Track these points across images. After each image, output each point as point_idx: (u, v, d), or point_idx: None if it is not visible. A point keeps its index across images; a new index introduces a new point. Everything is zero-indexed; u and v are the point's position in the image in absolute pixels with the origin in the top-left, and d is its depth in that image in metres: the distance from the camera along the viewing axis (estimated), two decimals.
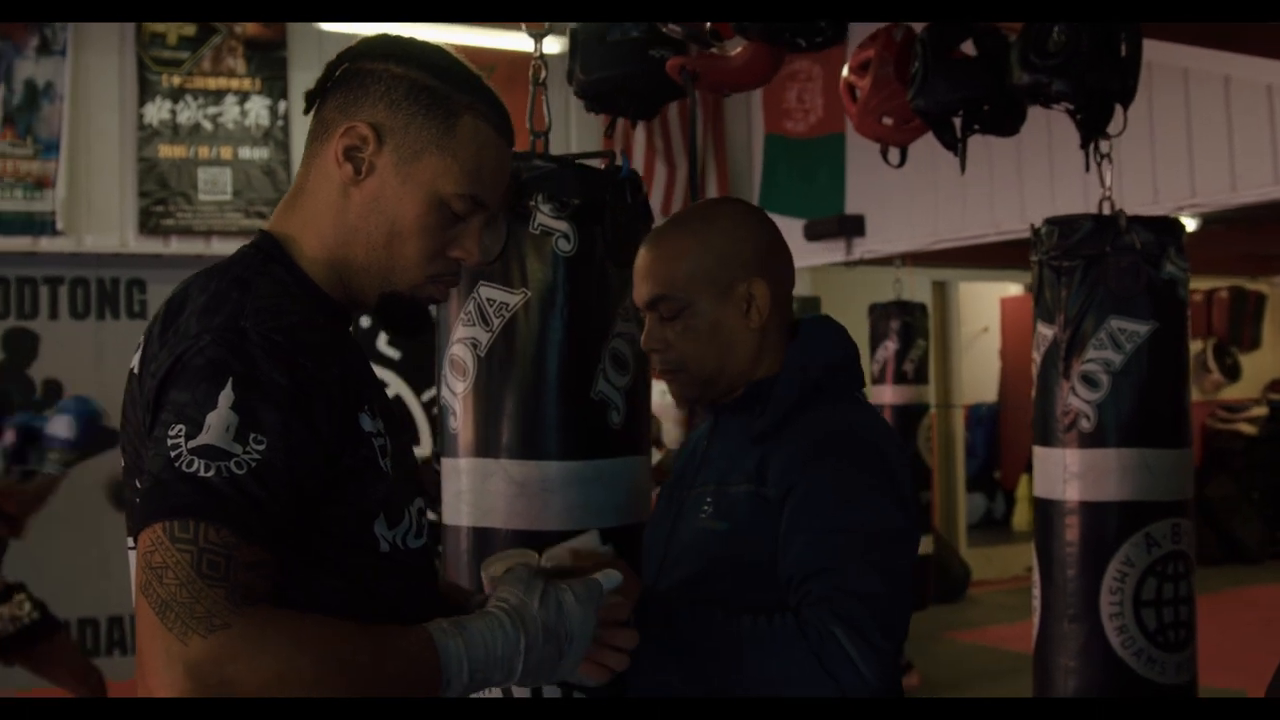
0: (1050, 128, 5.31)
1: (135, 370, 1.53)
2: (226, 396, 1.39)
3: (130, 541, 1.56)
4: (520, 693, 2.41)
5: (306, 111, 1.66)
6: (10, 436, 5.09)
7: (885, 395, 7.63)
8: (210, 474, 1.36)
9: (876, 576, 1.85)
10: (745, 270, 2.08)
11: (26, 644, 5.22)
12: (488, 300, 2.49)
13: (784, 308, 2.14)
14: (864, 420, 2.07)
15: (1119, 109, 3.17)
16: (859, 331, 7.76)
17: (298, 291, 1.56)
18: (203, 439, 1.37)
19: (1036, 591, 3.58)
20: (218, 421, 1.38)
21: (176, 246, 7.13)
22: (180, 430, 1.38)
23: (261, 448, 1.38)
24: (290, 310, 1.49)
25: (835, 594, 1.84)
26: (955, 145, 3.29)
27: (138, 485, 1.50)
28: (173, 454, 1.37)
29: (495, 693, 2.44)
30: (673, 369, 2.11)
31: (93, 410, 5.10)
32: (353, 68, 1.62)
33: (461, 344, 2.53)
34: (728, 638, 1.86)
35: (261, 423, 1.39)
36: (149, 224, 7.12)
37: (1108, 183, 3.44)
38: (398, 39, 1.64)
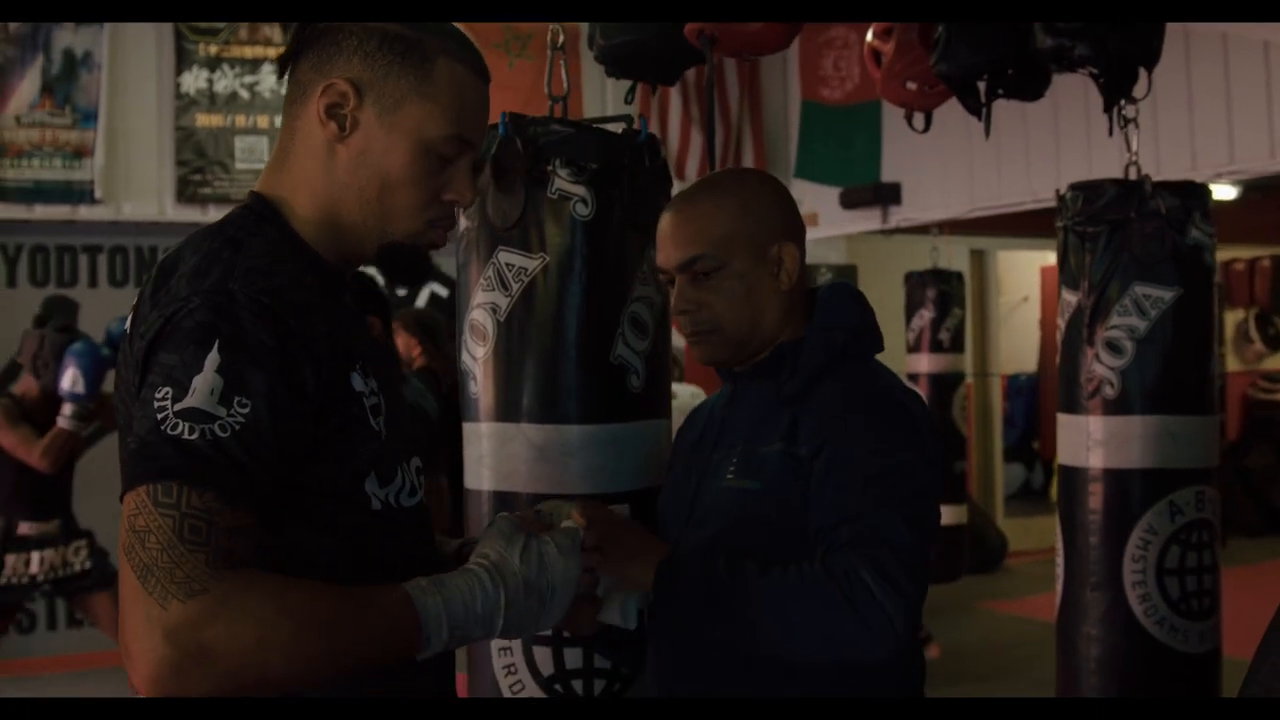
0: (1087, 94, 5.26)
1: (127, 331, 1.55)
2: (213, 360, 1.40)
3: None
4: (530, 691, 2.44)
5: (280, 77, 1.66)
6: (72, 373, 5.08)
7: (921, 364, 7.61)
8: (194, 437, 1.37)
9: (905, 526, 1.87)
10: (777, 234, 2.11)
11: (77, 589, 5.35)
12: (507, 265, 2.50)
13: (805, 273, 2.17)
14: (887, 382, 2.08)
15: (1144, 72, 3.14)
16: (895, 300, 7.74)
17: (289, 252, 1.57)
18: (188, 402, 1.38)
19: (1060, 559, 3.58)
20: (203, 385, 1.39)
21: (214, 215, 7.10)
22: (167, 393, 1.39)
23: (245, 410, 1.39)
24: (280, 271, 1.50)
25: (864, 540, 1.85)
26: (979, 110, 3.26)
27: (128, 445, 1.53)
28: (159, 416, 1.39)
29: (497, 690, 2.47)
30: (706, 330, 2.11)
31: (99, 358, 5.09)
32: (324, 26, 1.62)
33: (481, 309, 2.54)
34: (756, 584, 1.87)
35: (247, 386, 1.40)
36: (186, 192, 7.17)
37: (1134, 147, 3.41)
38: None
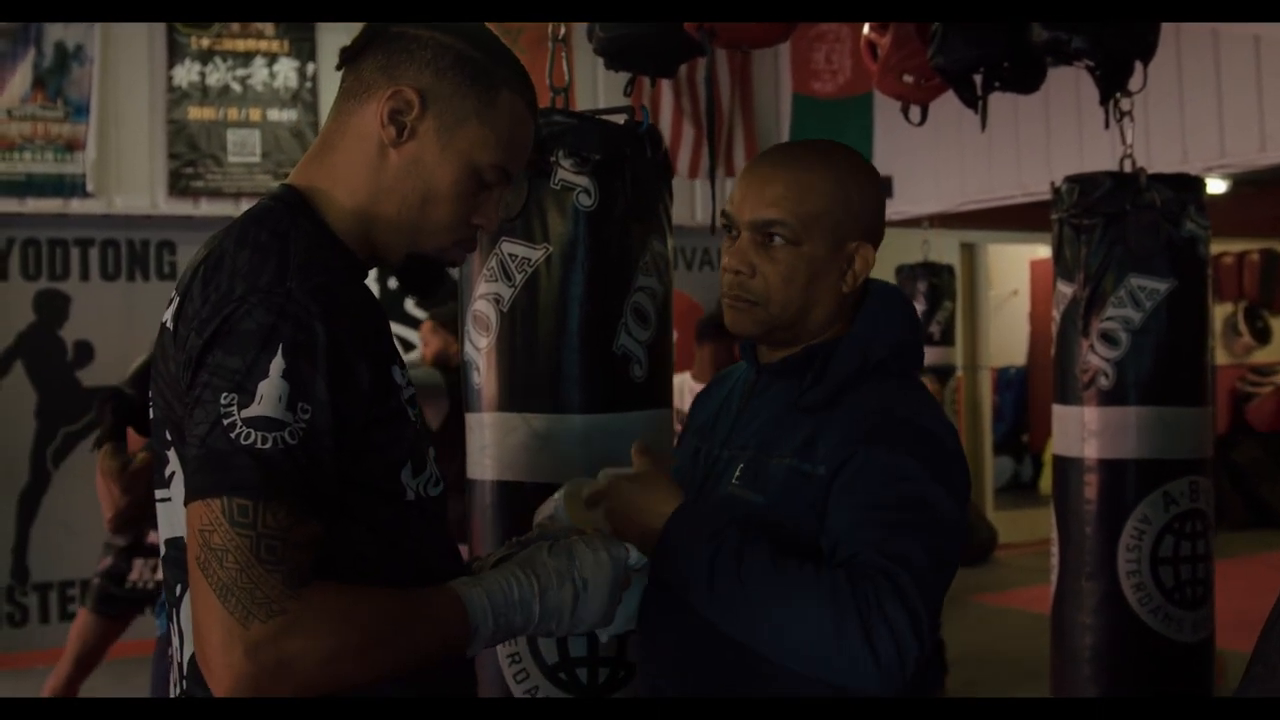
0: (1078, 87, 5.29)
1: (169, 325, 1.55)
2: (278, 365, 1.42)
3: (160, 492, 1.60)
4: (534, 680, 2.45)
5: (339, 67, 1.68)
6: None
7: None
8: (267, 446, 1.40)
9: (925, 555, 1.74)
10: (861, 232, 1.96)
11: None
12: (510, 256, 2.52)
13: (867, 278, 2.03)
14: (922, 404, 1.94)
15: (1140, 66, 3.16)
16: None
17: (328, 245, 1.59)
18: (256, 409, 1.40)
19: (1054, 549, 3.60)
20: (270, 391, 1.41)
21: (206, 208, 7.17)
22: (233, 399, 1.41)
23: (308, 416, 1.42)
24: (328, 265, 1.52)
25: (886, 569, 1.72)
26: (975, 103, 3.28)
27: (168, 437, 1.54)
28: (225, 422, 1.40)
29: (502, 679, 2.48)
30: (750, 299, 1.95)
31: None
32: (399, 30, 1.64)
33: (484, 299, 2.56)
34: (767, 566, 1.74)
35: (310, 390, 1.42)
36: (179, 186, 7.15)
37: (1129, 140, 3.43)
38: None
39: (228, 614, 1.36)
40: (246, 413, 1.40)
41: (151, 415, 1.62)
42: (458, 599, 1.54)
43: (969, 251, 10.42)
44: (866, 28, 3.58)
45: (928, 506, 1.79)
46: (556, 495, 1.90)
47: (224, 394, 1.42)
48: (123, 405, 4.20)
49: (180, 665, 1.59)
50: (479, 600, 1.55)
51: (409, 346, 7.69)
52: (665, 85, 7.89)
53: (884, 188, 2.08)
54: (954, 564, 1.84)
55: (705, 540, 1.77)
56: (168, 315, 1.57)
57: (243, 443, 1.39)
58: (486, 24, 1.71)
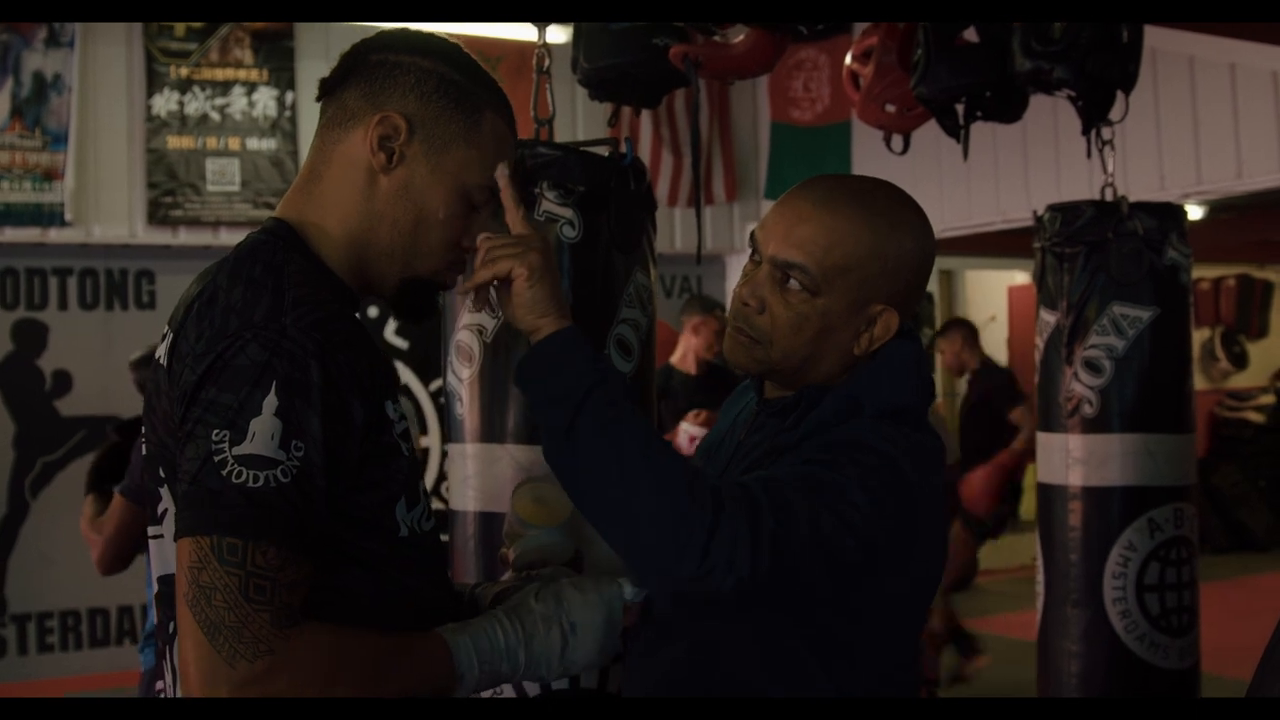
0: (1056, 116, 5.31)
1: (163, 361, 1.55)
2: (270, 403, 1.41)
3: (152, 529, 1.59)
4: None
5: (320, 98, 1.69)
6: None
7: None
8: (259, 485, 1.39)
9: (805, 513, 1.62)
10: (890, 296, 1.82)
11: None
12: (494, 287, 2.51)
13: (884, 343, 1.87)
14: (897, 439, 1.77)
15: (1121, 95, 3.18)
16: None
17: (322, 279, 1.59)
18: (248, 447, 1.40)
19: (1040, 576, 3.60)
20: (262, 429, 1.40)
21: (185, 237, 7.15)
22: (224, 435, 1.40)
23: (301, 454, 1.41)
24: (323, 300, 1.51)
25: (761, 494, 1.62)
26: (958, 132, 3.29)
27: (160, 474, 1.53)
28: (217, 459, 1.39)
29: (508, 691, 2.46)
30: (753, 336, 1.83)
31: None
32: (379, 58, 1.65)
33: (468, 330, 2.55)
34: (632, 418, 1.62)
35: (303, 428, 1.42)
36: (157, 215, 7.13)
37: (1110, 169, 3.45)
38: (418, 33, 1.69)
39: (214, 652, 1.36)
40: (238, 450, 1.39)
41: (145, 452, 1.61)
42: (444, 645, 1.54)
43: (947, 278, 10.47)
44: (849, 58, 3.59)
45: (839, 495, 1.66)
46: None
47: (216, 430, 1.41)
48: (108, 456, 4.17)
49: None
50: (464, 646, 1.55)
51: None
52: (644, 114, 7.91)
53: (930, 250, 1.90)
54: (842, 549, 1.66)
55: (589, 369, 1.63)
56: (161, 351, 1.56)
57: (234, 481, 1.38)
58: (465, 50, 1.71)
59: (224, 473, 1.39)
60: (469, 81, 1.66)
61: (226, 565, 1.37)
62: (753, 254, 1.87)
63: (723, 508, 1.58)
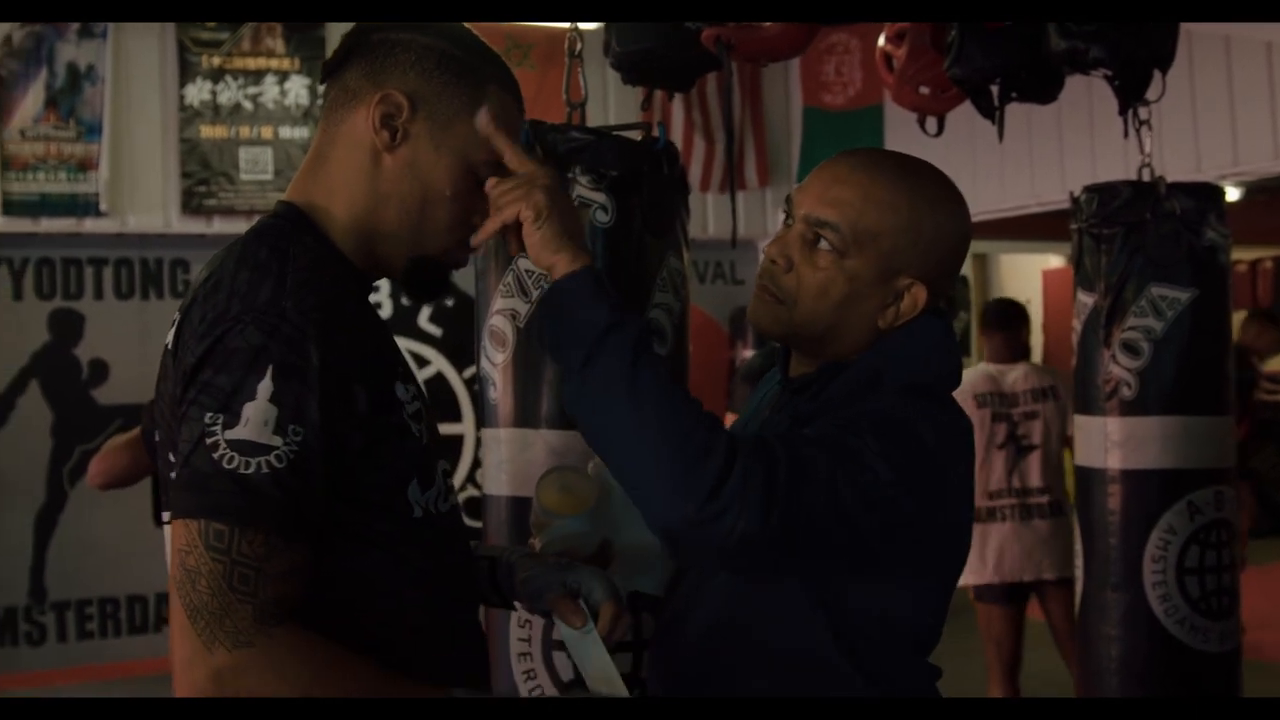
0: (1091, 96, 5.27)
1: (170, 346, 1.54)
2: (265, 387, 1.40)
3: (166, 515, 1.59)
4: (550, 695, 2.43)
5: (322, 80, 1.68)
6: None
7: None
8: (250, 471, 1.38)
9: (824, 472, 1.59)
10: (920, 270, 1.79)
11: None
12: (526, 272, 2.51)
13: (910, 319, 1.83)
14: (921, 412, 1.73)
15: (1158, 74, 3.14)
16: None
17: (330, 262, 1.58)
18: (241, 432, 1.39)
19: (1079, 560, 3.58)
20: (256, 414, 1.39)
21: (219, 226, 7.17)
22: (217, 419, 1.40)
23: (299, 439, 1.40)
24: (327, 285, 1.50)
25: (778, 448, 1.58)
26: (993, 113, 3.26)
27: (171, 459, 1.52)
28: (208, 441, 1.39)
29: (516, 695, 2.46)
30: (777, 294, 1.79)
31: None
32: (380, 38, 1.64)
33: (501, 315, 2.55)
34: (651, 364, 1.59)
35: (300, 412, 1.41)
36: (191, 204, 7.16)
37: (1147, 149, 3.41)
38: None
39: (195, 635, 1.36)
40: (230, 434, 1.39)
41: (157, 438, 1.61)
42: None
43: (981, 262, 10.42)
44: (881, 39, 3.56)
45: (857, 461, 1.62)
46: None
47: (209, 413, 1.40)
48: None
49: None
50: None
51: (422, 362, 7.69)
52: (675, 99, 7.89)
53: (966, 234, 1.87)
54: (854, 528, 1.63)
55: (604, 311, 1.60)
56: (169, 337, 1.56)
57: (225, 466, 1.38)
58: (469, 28, 1.70)
59: (215, 455, 1.38)
60: (471, 56, 1.65)
61: (212, 551, 1.36)
62: (786, 218, 1.84)
63: (737, 453, 1.55)
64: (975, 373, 5.41)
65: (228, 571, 1.36)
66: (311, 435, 1.41)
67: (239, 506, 1.37)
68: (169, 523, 1.57)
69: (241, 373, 1.41)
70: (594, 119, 2.69)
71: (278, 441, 1.39)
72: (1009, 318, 5.54)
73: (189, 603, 1.36)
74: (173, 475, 1.45)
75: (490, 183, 1.64)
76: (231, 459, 1.38)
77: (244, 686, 1.35)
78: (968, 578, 5.38)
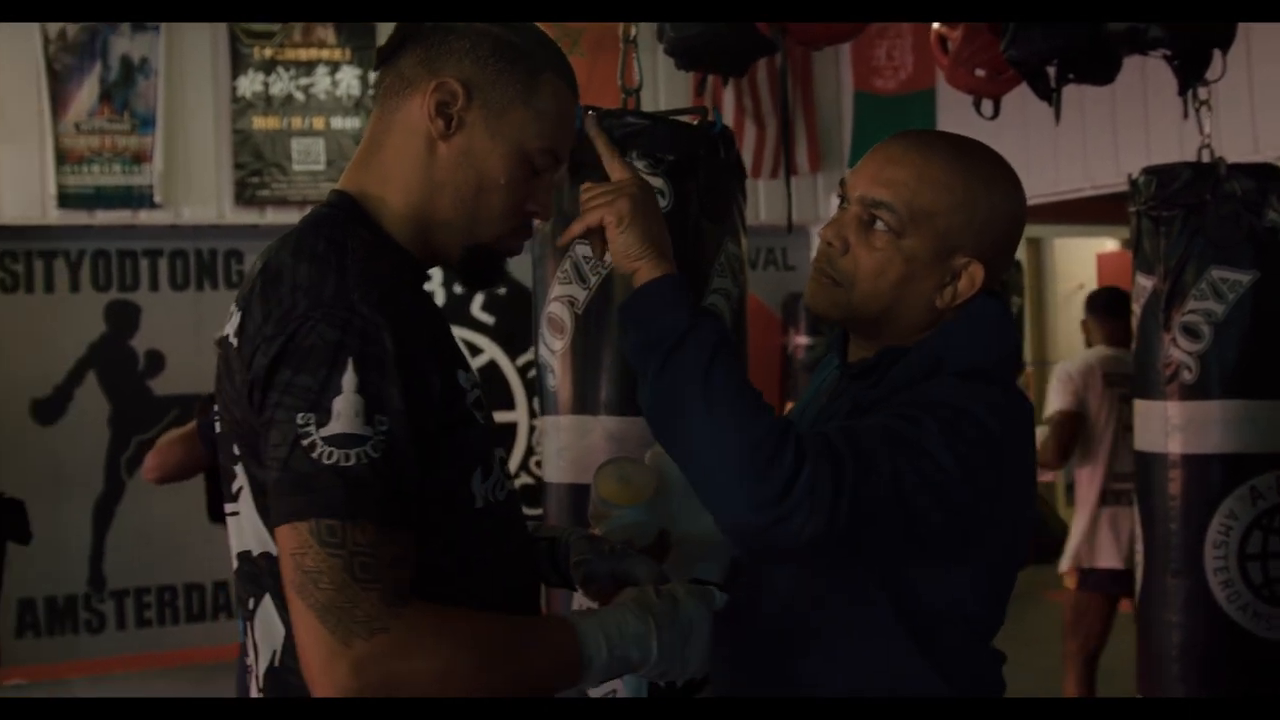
0: (1145, 78, 5.21)
1: (231, 339, 1.54)
2: (350, 380, 1.40)
3: (228, 506, 1.59)
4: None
5: (376, 67, 1.67)
6: None
7: None
8: (351, 463, 1.38)
9: (889, 466, 1.60)
10: (977, 249, 1.78)
11: None
12: (584, 258, 2.51)
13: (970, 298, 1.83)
14: (994, 402, 1.73)
15: (1218, 54, 3.10)
16: None
17: (387, 252, 1.57)
18: (335, 427, 1.39)
19: (1139, 546, 3.54)
20: (346, 407, 1.40)
21: (272, 217, 7.21)
22: (309, 418, 1.40)
23: (385, 428, 1.41)
24: (386, 275, 1.51)
25: (844, 444, 1.60)
26: (1050, 95, 3.23)
27: (235, 452, 1.53)
28: (304, 442, 1.39)
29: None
30: (833, 276, 1.79)
31: None
32: (432, 26, 1.63)
33: (559, 302, 2.55)
34: (728, 364, 1.62)
35: (384, 401, 1.41)
36: (245, 195, 7.21)
37: (1206, 130, 3.37)
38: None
39: (329, 634, 1.36)
40: (325, 431, 1.39)
41: (218, 430, 1.61)
42: (570, 628, 1.51)
43: (1035, 246, 10.34)
44: (935, 22, 3.54)
45: (920, 451, 1.63)
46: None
47: (300, 414, 1.40)
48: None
49: (257, 677, 1.58)
50: (591, 629, 1.52)
51: (475, 350, 7.71)
52: (727, 85, 7.87)
53: (1021, 215, 1.86)
54: (917, 515, 1.64)
55: (682, 315, 1.64)
56: (230, 329, 1.55)
57: (325, 462, 1.38)
58: (544, 24, 1.71)
59: (314, 455, 1.39)
60: (526, 43, 1.64)
61: (328, 548, 1.37)
62: (841, 201, 1.84)
63: (805, 456, 1.57)
64: (1098, 354, 5.40)
65: (348, 564, 1.37)
66: (397, 423, 1.42)
67: (346, 500, 1.38)
68: (234, 514, 1.58)
69: (325, 370, 1.41)
70: (645, 105, 2.68)
71: (369, 432, 1.40)
72: (1121, 304, 5.52)
73: (315, 603, 1.36)
74: (257, 478, 1.47)
75: (583, 188, 1.68)
76: (330, 454, 1.38)
77: (387, 671, 1.36)
78: (1099, 561, 5.35)
